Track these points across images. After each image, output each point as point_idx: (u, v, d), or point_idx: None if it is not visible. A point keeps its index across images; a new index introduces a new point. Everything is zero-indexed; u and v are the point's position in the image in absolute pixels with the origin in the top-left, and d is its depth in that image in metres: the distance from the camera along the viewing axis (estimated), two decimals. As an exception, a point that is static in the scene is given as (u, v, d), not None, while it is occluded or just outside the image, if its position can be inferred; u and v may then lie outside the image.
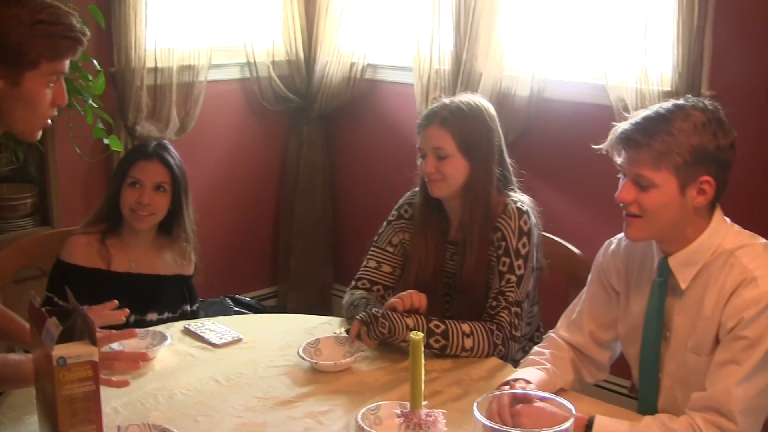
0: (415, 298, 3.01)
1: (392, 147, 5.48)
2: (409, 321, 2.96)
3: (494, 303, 3.06)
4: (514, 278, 3.07)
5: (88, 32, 2.47)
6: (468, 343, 2.96)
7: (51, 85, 2.43)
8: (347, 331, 3.05)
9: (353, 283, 3.36)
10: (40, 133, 2.53)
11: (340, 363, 2.89)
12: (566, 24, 4.50)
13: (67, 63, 2.46)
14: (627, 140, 2.47)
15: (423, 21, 4.93)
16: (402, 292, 3.13)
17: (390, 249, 3.35)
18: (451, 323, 2.97)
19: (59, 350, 2.15)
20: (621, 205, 2.51)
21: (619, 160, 2.52)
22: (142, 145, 3.67)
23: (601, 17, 4.25)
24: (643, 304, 2.63)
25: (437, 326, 2.94)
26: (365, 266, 3.37)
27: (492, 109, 3.22)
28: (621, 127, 2.51)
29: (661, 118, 2.46)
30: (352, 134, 5.84)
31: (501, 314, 3.03)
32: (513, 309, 3.03)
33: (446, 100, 3.21)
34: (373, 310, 3.00)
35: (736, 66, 3.98)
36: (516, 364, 2.91)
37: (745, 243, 2.49)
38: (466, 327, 2.98)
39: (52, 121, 2.55)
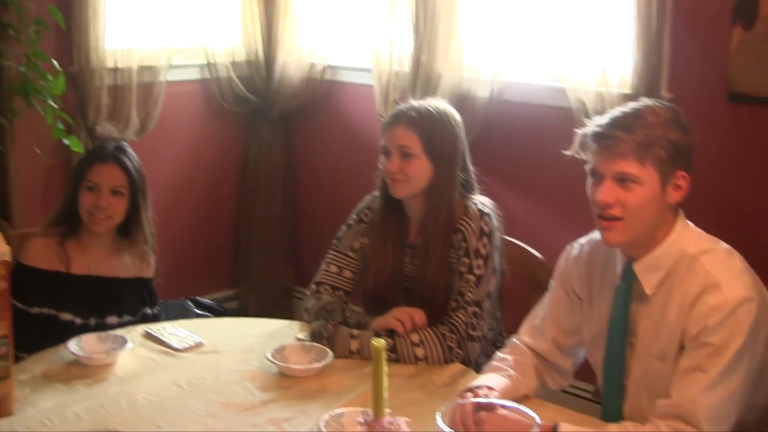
0: (417, 319, 3.00)
1: (352, 148, 5.47)
2: (354, 344, 2.99)
3: (453, 304, 3.06)
4: (473, 278, 3.06)
5: None
6: (419, 352, 2.96)
7: None
8: (313, 338, 3.04)
9: (313, 286, 3.35)
10: None
11: (311, 367, 2.88)
12: (526, 25, 4.50)
13: None
14: (606, 137, 2.44)
15: (382, 22, 4.92)
16: (364, 298, 3.15)
17: (351, 254, 3.34)
18: (400, 338, 2.97)
19: None
20: (598, 209, 2.48)
21: (592, 161, 2.49)
22: (99, 147, 3.65)
23: (560, 19, 4.25)
24: (607, 309, 2.63)
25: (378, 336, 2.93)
26: (326, 270, 3.36)
27: (458, 116, 3.24)
28: (592, 127, 2.50)
29: (634, 114, 2.46)
30: (311, 135, 5.82)
31: (457, 314, 3.02)
32: (470, 309, 3.03)
33: (414, 102, 3.21)
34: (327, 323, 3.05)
35: (695, 69, 4.00)
36: (479, 368, 2.90)
37: (709, 248, 2.49)
38: (415, 337, 2.97)
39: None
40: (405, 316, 2.99)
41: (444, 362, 2.96)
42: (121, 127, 5.00)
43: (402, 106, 3.22)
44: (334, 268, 3.35)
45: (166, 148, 5.44)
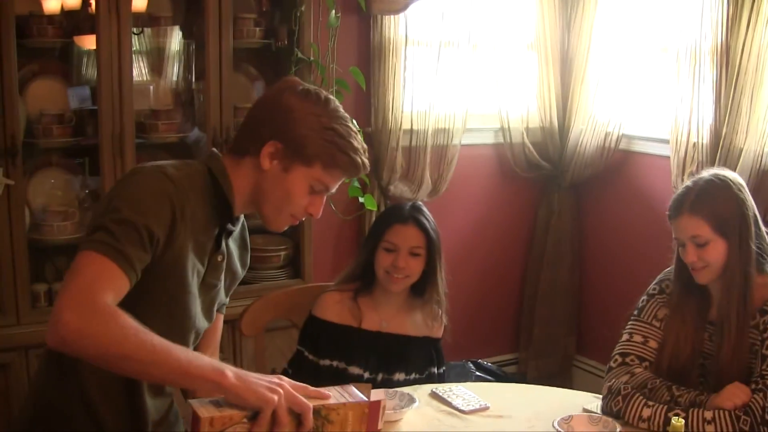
0: (742, 395, 2.90)
1: (644, 220, 5.39)
2: (645, 412, 2.90)
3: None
4: None
5: (367, 166, 2.57)
6: (710, 429, 2.83)
7: (314, 190, 2.52)
8: (604, 410, 2.99)
9: (618, 358, 3.20)
10: (283, 226, 2.61)
11: (597, 441, 2.82)
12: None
13: (335, 181, 2.54)
14: None
15: (682, 93, 4.84)
16: (657, 372, 3.08)
17: (656, 324, 3.22)
18: (693, 411, 2.86)
19: None
20: None
21: None
22: (397, 207, 3.69)
23: None
24: None
25: (676, 415, 2.84)
26: (630, 341, 3.22)
27: (738, 178, 3.08)
28: None
29: None
30: (603, 204, 5.78)
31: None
32: None
33: (689, 183, 3.09)
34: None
35: None
36: (774, 455, 2.77)
37: None
38: (708, 414, 2.85)
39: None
40: (738, 391, 2.89)
41: (736, 444, 2.85)
42: (414, 188, 5.11)
43: (679, 192, 3.09)
44: (638, 338, 3.23)
45: (457, 210, 5.52)
